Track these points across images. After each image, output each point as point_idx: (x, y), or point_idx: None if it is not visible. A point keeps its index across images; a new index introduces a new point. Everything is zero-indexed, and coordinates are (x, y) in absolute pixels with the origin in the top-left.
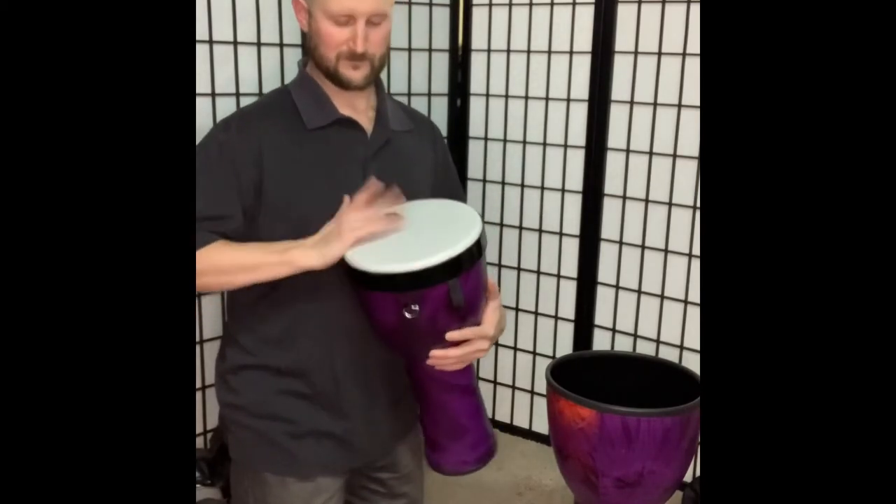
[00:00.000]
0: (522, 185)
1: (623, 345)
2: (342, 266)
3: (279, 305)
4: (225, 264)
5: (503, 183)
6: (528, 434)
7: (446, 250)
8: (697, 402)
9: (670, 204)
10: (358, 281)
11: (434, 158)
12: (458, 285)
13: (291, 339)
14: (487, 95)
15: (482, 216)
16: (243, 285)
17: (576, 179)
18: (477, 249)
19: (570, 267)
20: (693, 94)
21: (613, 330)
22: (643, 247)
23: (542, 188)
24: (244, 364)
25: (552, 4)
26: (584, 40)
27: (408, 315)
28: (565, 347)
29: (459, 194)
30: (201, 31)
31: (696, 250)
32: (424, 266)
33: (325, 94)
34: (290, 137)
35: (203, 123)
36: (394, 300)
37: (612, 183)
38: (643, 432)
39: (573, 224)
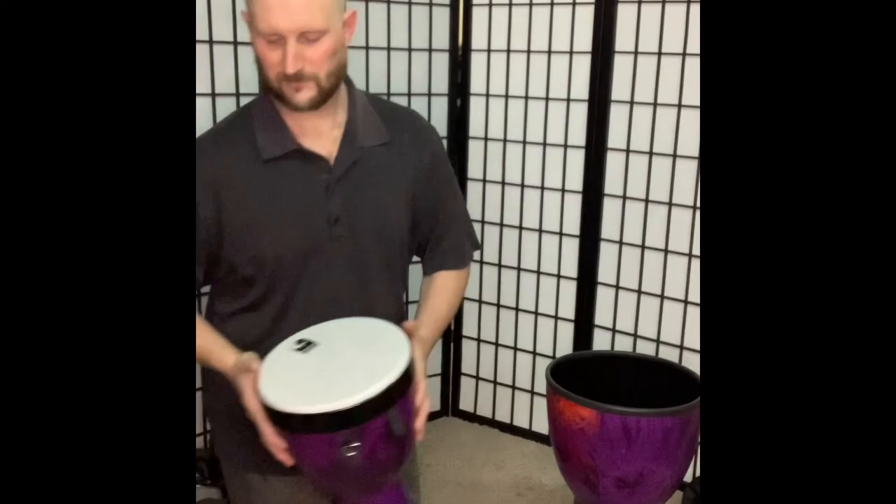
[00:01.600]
0: (522, 185)
1: (623, 345)
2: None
3: (257, 316)
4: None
5: (503, 183)
6: (528, 434)
7: (382, 379)
8: (697, 403)
9: (670, 204)
10: (282, 424)
11: (417, 166)
12: (397, 414)
13: (266, 348)
14: (487, 95)
15: (482, 216)
16: None
17: (576, 179)
18: (411, 369)
19: (570, 267)
20: (693, 94)
21: (613, 330)
22: (643, 247)
23: (542, 188)
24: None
25: (552, 4)
26: (584, 40)
27: (347, 454)
28: (565, 347)
29: (450, 196)
30: (201, 31)
31: (696, 250)
32: (361, 400)
33: (283, 120)
34: (247, 167)
35: (203, 123)
36: (328, 441)
37: (612, 183)
38: (643, 432)
39: (573, 224)
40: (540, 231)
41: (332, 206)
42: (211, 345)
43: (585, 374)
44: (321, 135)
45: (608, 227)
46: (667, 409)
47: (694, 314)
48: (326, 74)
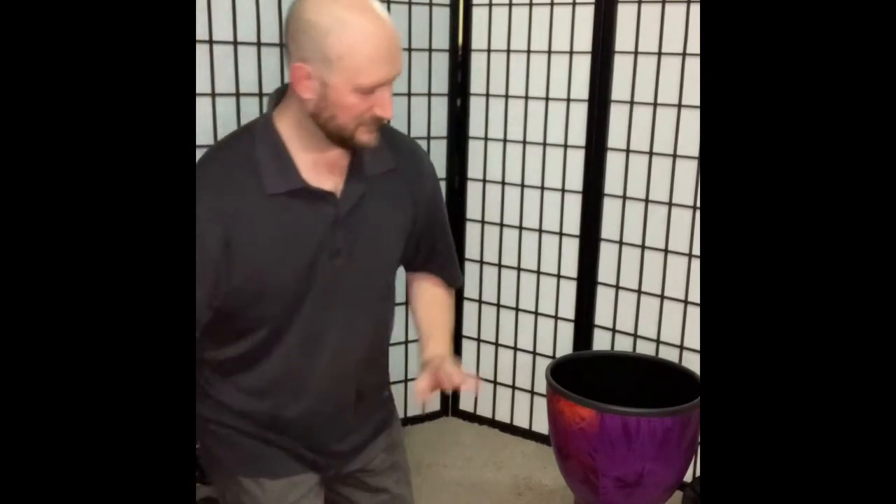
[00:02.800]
0: (522, 185)
1: (623, 345)
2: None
3: (249, 332)
4: None
5: (503, 183)
6: (528, 434)
7: None
8: (697, 403)
9: (670, 204)
10: None
11: (419, 194)
12: None
13: (257, 360)
14: (487, 95)
15: (482, 216)
16: None
17: (576, 179)
18: None
19: (570, 267)
20: (693, 94)
21: (613, 330)
22: (643, 247)
23: (542, 188)
24: (211, 380)
25: (552, 4)
26: (584, 40)
27: None
28: (565, 347)
29: (445, 224)
30: (201, 31)
31: (696, 250)
32: None
33: (289, 156)
34: (252, 201)
35: (203, 123)
36: None
37: (612, 183)
38: (643, 432)
39: (573, 224)
40: (540, 231)
41: (336, 240)
42: None
43: (585, 374)
44: (333, 165)
45: (608, 227)
46: (667, 409)
47: (694, 314)
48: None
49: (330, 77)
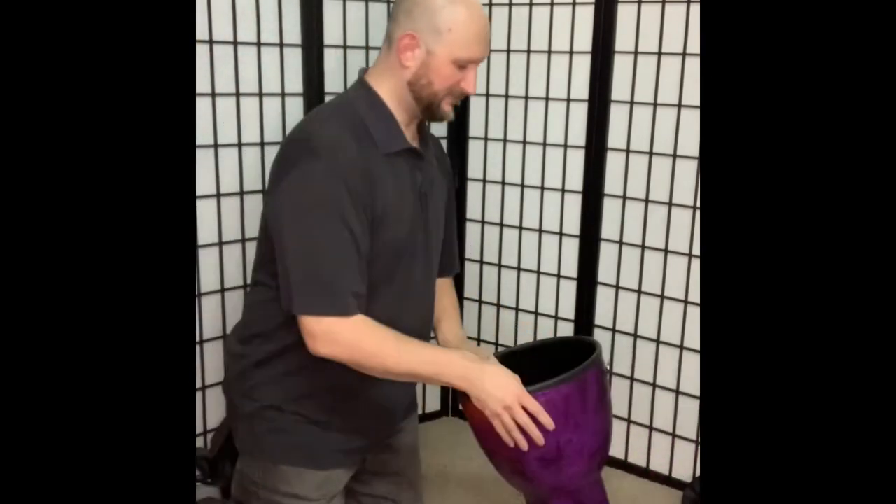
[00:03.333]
0: (522, 185)
1: (623, 345)
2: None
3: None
4: (386, 358)
5: (503, 183)
6: None
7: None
8: (587, 363)
9: (670, 204)
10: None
11: (448, 182)
12: None
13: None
14: (487, 95)
15: (482, 216)
16: (379, 373)
17: (576, 179)
18: None
19: (570, 267)
20: (693, 94)
21: (613, 330)
22: (643, 247)
23: (542, 188)
24: (268, 362)
25: (552, 4)
26: (584, 40)
27: None
28: None
29: (451, 219)
30: (201, 31)
31: (696, 250)
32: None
33: (396, 120)
34: (374, 160)
35: (203, 123)
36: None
37: (612, 183)
38: (546, 406)
39: (573, 224)
40: (540, 231)
41: (421, 204)
42: (438, 355)
43: (515, 370)
44: (414, 140)
45: (608, 227)
46: (556, 379)
47: (694, 314)
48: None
49: (435, 47)
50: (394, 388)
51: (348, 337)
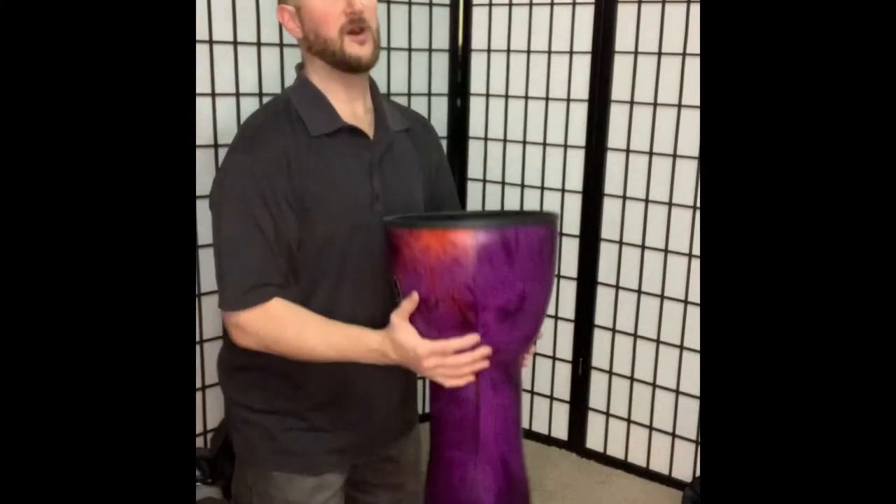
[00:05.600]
0: (522, 185)
1: (623, 344)
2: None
3: (316, 286)
4: (290, 340)
5: (503, 183)
6: (528, 434)
7: None
8: (553, 215)
9: (670, 204)
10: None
11: (428, 158)
12: None
13: (328, 313)
14: (487, 95)
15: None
16: (300, 358)
17: (576, 179)
18: None
19: (570, 267)
20: (693, 94)
21: (613, 330)
22: (643, 247)
23: (542, 188)
24: (249, 364)
25: (552, 4)
26: (584, 40)
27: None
28: (565, 347)
29: (453, 194)
30: (201, 31)
31: (696, 250)
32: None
33: (327, 100)
34: (300, 145)
35: (203, 123)
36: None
37: (612, 183)
38: (522, 246)
39: (573, 224)
40: None
41: (374, 183)
42: (349, 333)
43: None
44: (358, 118)
45: (608, 227)
46: (539, 219)
47: (694, 314)
48: (376, 29)
49: (300, 1)
50: (376, 380)
51: (253, 328)
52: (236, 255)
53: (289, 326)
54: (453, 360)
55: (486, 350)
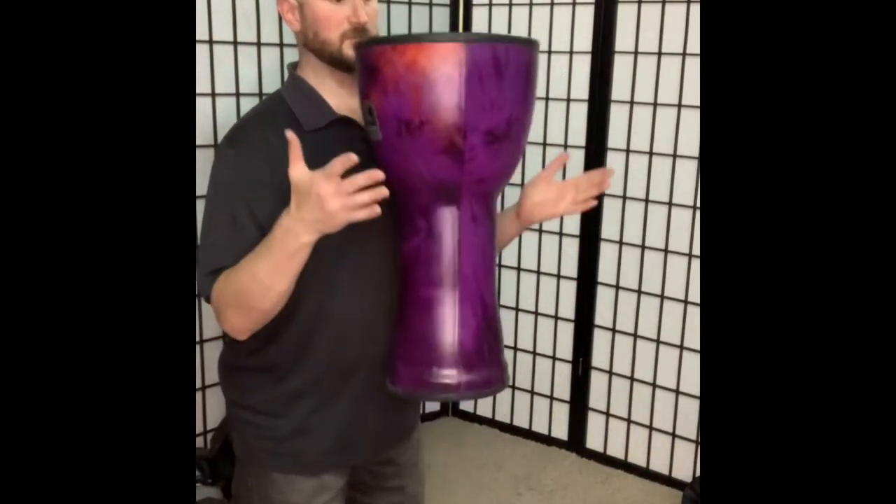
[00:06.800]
0: (523, 186)
1: (623, 344)
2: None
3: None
4: (244, 285)
5: None
6: (528, 434)
7: None
8: (537, 42)
9: (670, 204)
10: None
11: None
12: None
13: (296, 338)
14: None
15: None
16: (270, 301)
17: None
18: None
19: (570, 267)
20: (693, 94)
21: (613, 330)
22: (643, 247)
23: None
24: (247, 365)
25: (552, 4)
26: (584, 40)
27: None
28: (565, 347)
29: None
30: (201, 31)
31: (696, 250)
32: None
33: (320, 95)
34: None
35: (203, 123)
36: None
37: (612, 183)
38: (512, 64)
39: (573, 224)
40: (540, 231)
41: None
42: (264, 243)
43: None
44: (353, 110)
45: (608, 227)
46: (524, 40)
47: (694, 314)
48: (376, 34)
49: None
50: (376, 381)
51: (217, 304)
52: (205, 243)
53: (237, 280)
54: (350, 184)
55: (378, 173)
